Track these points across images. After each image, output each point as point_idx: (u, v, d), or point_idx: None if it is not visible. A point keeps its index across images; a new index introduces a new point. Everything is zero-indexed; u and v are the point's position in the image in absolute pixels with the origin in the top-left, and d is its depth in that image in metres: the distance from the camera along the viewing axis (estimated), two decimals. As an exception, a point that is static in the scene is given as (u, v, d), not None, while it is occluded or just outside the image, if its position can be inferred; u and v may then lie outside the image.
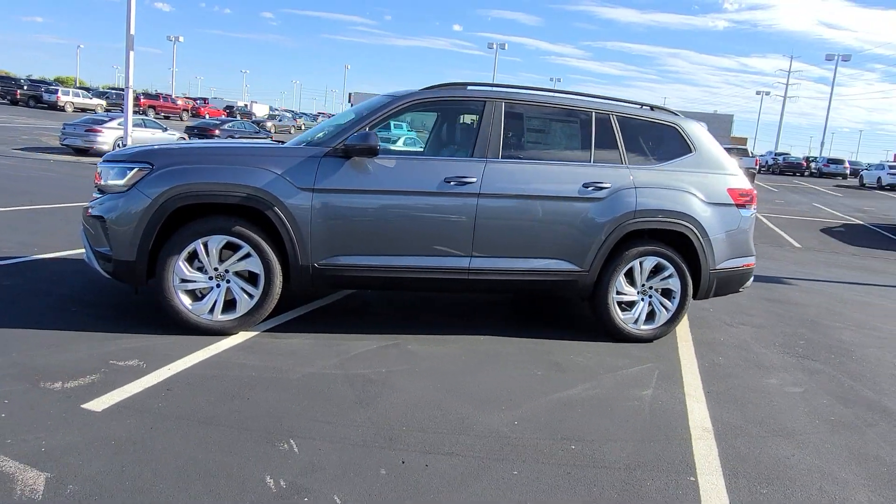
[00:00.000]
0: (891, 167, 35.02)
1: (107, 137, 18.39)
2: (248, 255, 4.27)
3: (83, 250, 4.60)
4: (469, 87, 4.82)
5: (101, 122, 19.08)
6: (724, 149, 5.33)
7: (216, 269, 4.29)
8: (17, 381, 3.40)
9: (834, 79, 50.79)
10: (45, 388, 3.35)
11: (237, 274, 4.32)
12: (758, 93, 70.68)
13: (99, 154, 18.18)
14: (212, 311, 4.30)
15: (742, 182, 5.19)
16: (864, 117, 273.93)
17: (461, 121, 4.84)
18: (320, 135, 4.88)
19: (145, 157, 4.24)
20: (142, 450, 2.84)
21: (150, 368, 3.70)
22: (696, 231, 4.90)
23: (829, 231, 15.36)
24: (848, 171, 42.27)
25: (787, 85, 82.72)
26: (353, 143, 4.28)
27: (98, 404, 3.22)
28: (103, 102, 41.10)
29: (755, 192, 5.31)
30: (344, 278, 4.48)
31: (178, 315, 4.25)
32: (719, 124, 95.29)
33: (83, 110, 36.93)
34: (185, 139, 21.78)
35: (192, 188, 4.14)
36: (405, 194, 4.46)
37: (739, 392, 4.16)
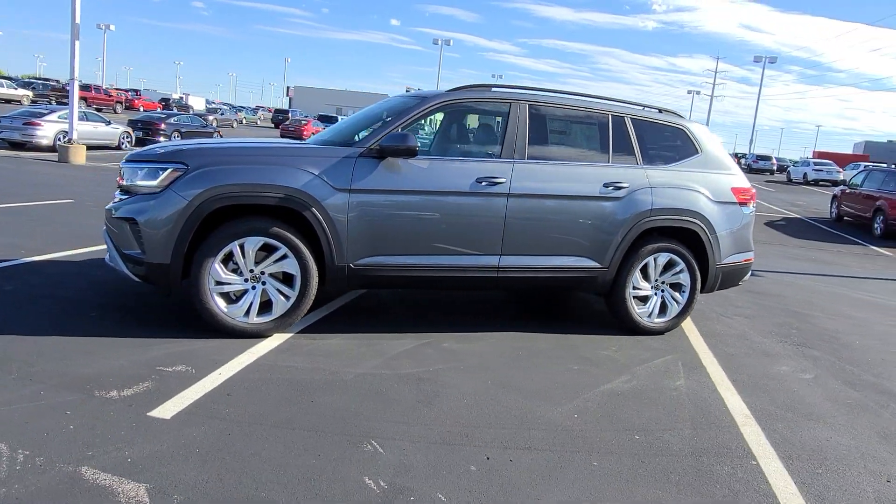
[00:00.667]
0: (815, 164, 37.23)
1: (47, 131, 17.47)
2: (284, 257, 4.23)
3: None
4: (493, 89, 4.90)
5: (41, 115, 18.07)
6: None
7: (251, 271, 4.22)
8: (70, 391, 3.28)
9: (762, 80, 53.48)
10: (103, 397, 3.25)
11: (272, 275, 4.27)
12: (689, 92, 73.44)
13: (38, 148, 17.33)
14: (247, 313, 4.24)
15: (743, 181, 5.49)
16: (782, 116, 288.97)
17: (487, 122, 4.92)
18: (339, 136, 4.89)
19: (179, 157, 4.13)
20: (229, 456, 2.81)
21: (201, 374, 3.63)
22: (705, 228, 5.16)
23: (772, 225, 16.21)
24: (775, 167, 44.61)
25: (713, 84, 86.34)
26: (390, 143, 4.29)
27: (164, 411, 3.15)
28: (29, 93, 38.80)
29: (754, 190, 5.62)
30: (379, 278, 4.49)
31: (214, 318, 4.17)
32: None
33: (7, 101, 34.82)
34: (129, 133, 20.94)
35: (230, 189, 4.07)
36: (439, 194, 4.51)
37: (760, 380, 4.42)
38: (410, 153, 4.28)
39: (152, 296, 4.97)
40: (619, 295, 5.08)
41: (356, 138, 4.59)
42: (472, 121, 4.93)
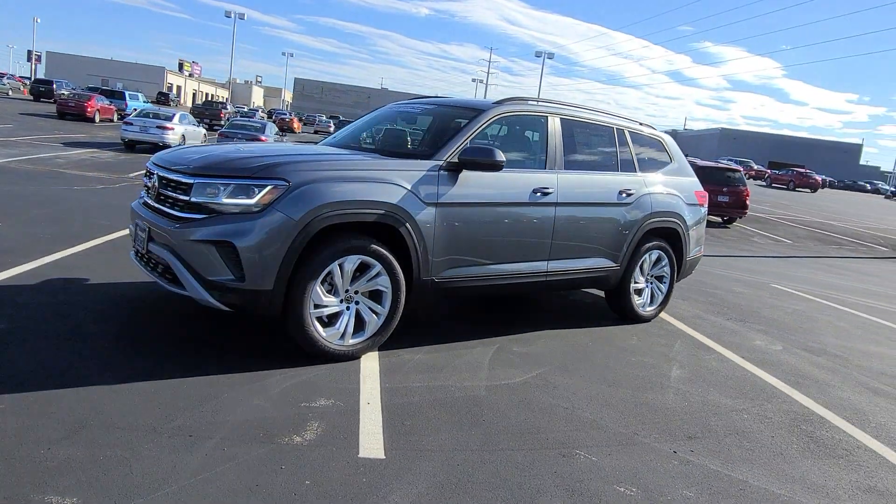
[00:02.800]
0: None
1: (176, 133, 16.20)
2: (378, 274, 4.10)
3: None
4: (530, 102, 5.15)
5: (169, 119, 15.85)
6: None
7: (346, 291, 4.03)
8: (247, 442, 2.95)
9: (542, 73, 59.00)
10: (289, 444, 2.98)
11: (364, 294, 4.12)
12: (473, 80, 78.00)
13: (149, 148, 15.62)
14: (342, 335, 4.04)
15: (699, 185, 6.43)
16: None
17: (534, 134, 5.11)
18: (368, 139, 4.84)
19: (278, 173, 3.75)
20: (493, 479, 2.83)
21: (350, 405, 3.45)
22: (682, 227, 6.00)
23: None
24: None
25: (488, 73, 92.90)
26: (475, 157, 4.33)
27: (370, 451, 3.01)
28: None
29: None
30: (456, 290, 4.54)
31: (314, 344, 3.92)
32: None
33: None
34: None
35: (338, 207, 3.83)
36: (506, 206, 4.67)
37: (755, 353, 5.35)
38: (497, 167, 4.38)
39: (191, 321, 4.43)
40: (624, 289, 5.70)
41: (408, 147, 4.58)
42: (522, 133, 5.10)
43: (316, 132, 51.32)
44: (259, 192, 3.69)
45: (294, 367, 3.87)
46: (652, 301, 6.00)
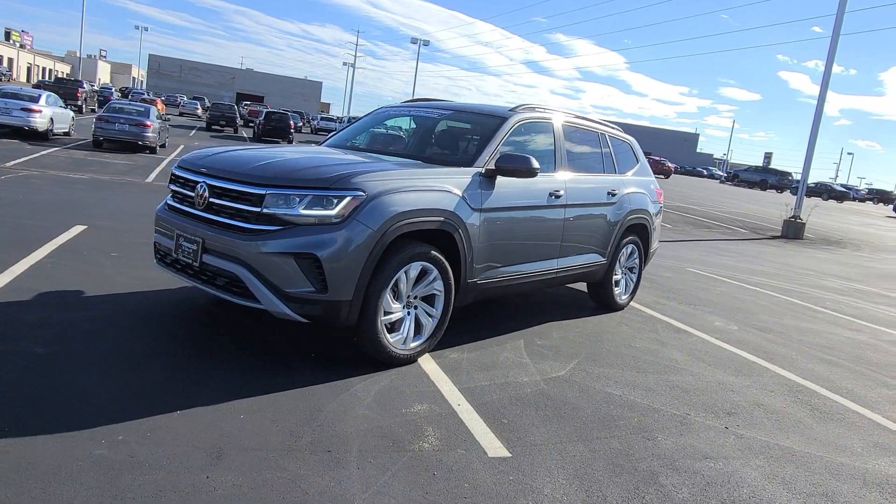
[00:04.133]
0: (349, 121, 42.58)
1: None
2: (434, 279, 4.24)
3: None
4: (538, 108, 5.44)
5: None
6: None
7: (408, 297, 4.14)
8: (383, 452, 3.04)
9: (418, 61, 59.33)
10: (420, 451, 3.11)
11: (420, 298, 4.25)
12: (344, 63, 76.77)
13: None
14: (405, 340, 4.15)
15: (657, 183, 7.10)
16: (403, 89, 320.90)
17: (544, 139, 5.35)
18: (390, 145, 5.07)
19: (355, 184, 3.76)
20: (618, 470, 3.14)
21: (443, 408, 3.62)
22: (650, 222, 6.64)
23: None
24: (335, 128, 48.83)
25: (355, 56, 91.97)
26: (512, 164, 4.56)
27: (492, 451, 3.21)
28: None
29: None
30: (490, 290, 4.76)
31: (383, 350, 4.01)
32: (310, 90, 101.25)
33: None
34: None
35: (408, 216, 3.92)
36: (530, 209, 4.97)
37: (722, 334, 6.09)
38: (532, 174, 4.63)
39: (230, 330, 4.30)
40: (608, 281, 6.23)
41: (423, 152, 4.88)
42: (535, 138, 5.33)
43: (181, 115, 48.07)
44: (339, 203, 3.70)
45: (364, 373, 3.93)
46: (626, 290, 6.59)
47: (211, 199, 3.93)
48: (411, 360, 4.20)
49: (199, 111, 51.18)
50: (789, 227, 19.27)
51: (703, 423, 3.89)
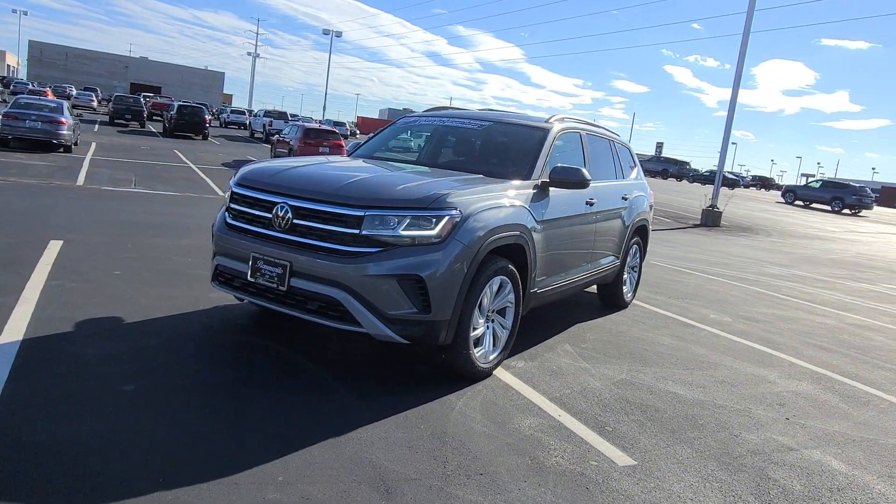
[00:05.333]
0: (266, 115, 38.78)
1: None
2: (508, 292, 4.32)
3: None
4: (567, 119, 5.59)
5: None
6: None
7: (488, 311, 4.20)
8: (532, 471, 3.11)
9: (330, 53, 58.00)
10: (559, 466, 3.20)
11: (495, 311, 4.31)
12: (249, 53, 73.93)
13: None
14: (485, 354, 4.21)
15: (647, 183, 7.47)
16: (303, 79, 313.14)
17: (574, 148, 5.47)
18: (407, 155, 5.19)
19: (450, 203, 3.75)
20: (734, 468, 3.37)
21: (548, 419, 3.72)
22: (649, 223, 7.00)
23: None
24: (247, 121, 44.58)
25: (256, 45, 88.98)
26: (565, 176, 4.68)
27: (620, 460, 3.35)
28: None
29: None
30: (543, 298, 4.89)
31: (471, 366, 4.06)
32: (212, 81, 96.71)
33: None
34: None
35: (496, 233, 3.97)
36: (574, 217, 5.13)
37: (723, 326, 6.53)
38: (584, 185, 4.78)
39: (302, 351, 4.18)
40: (619, 281, 6.52)
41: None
42: (568, 147, 5.45)
43: (75, 107, 44.56)
44: (438, 223, 3.69)
45: (453, 390, 3.96)
46: (631, 289, 6.92)
47: (295, 221, 3.80)
48: (490, 372, 4.26)
49: (95, 103, 47.73)
50: (708, 216, 20.61)
51: (767, 416, 4.22)
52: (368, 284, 3.59)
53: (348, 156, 5.48)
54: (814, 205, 37.57)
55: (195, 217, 9.59)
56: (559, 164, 4.79)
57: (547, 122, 5.29)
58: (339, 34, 57.22)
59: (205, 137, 31.01)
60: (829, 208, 36.22)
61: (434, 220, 3.70)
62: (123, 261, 6.22)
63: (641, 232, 6.88)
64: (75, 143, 18.94)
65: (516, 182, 4.55)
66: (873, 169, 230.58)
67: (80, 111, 36.93)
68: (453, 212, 3.76)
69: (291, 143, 21.37)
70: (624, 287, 6.66)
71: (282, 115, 37.62)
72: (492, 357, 4.26)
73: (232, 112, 47.35)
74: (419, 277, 3.61)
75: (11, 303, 4.57)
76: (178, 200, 11.33)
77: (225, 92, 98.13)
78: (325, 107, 60.12)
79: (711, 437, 3.77)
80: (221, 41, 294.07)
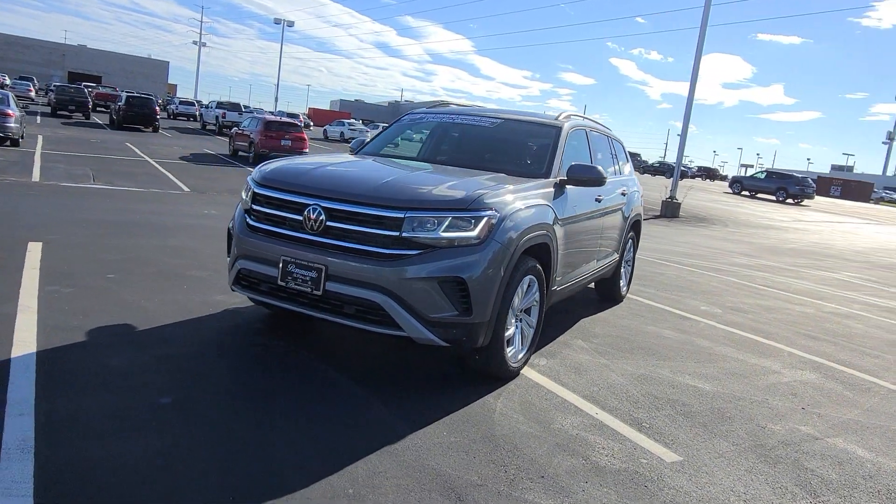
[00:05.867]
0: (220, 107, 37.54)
1: None
2: (535, 291, 4.33)
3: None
4: (574, 117, 5.62)
5: None
6: None
7: (518, 311, 4.20)
8: (590, 472, 3.14)
9: (282, 43, 56.76)
10: (610, 466, 3.24)
11: (522, 311, 4.32)
12: (194, 42, 71.62)
13: None
14: (515, 353, 4.21)
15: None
16: (249, 69, 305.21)
17: (582, 145, 5.49)
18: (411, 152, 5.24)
19: (488, 204, 3.72)
20: (778, 459, 3.47)
21: (587, 418, 3.75)
22: (642, 216, 7.14)
23: (188, 159, 18.68)
24: (197, 113, 43.86)
25: (201, 33, 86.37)
26: (583, 175, 4.72)
27: (664, 455, 3.41)
28: None
29: (637, 185, 7.79)
30: (560, 295, 4.92)
31: (504, 367, 4.07)
32: (156, 71, 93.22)
33: None
34: None
35: (528, 232, 3.97)
36: (587, 214, 5.17)
37: (715, 318, 6.72)
38: (601, 183, 4.83)
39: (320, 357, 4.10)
40: (617, 276, 6.63)
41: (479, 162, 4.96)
42: (577, 145, 5.45)
43: (20, 97, 42.28)
44: (478, 224, 3.66)
45: (489, 391, 3.96)
46: (626, 282, 7.05)
47: (329, 223, 3.70)
48: (518, 372, 4.27)
49: (33, 93, 45.45)
50: (667, 208, 21.13)
51: (784, 407, 4.36)
52: (410, 287, 3.53)
53: (354, 154, 5.37)
54: (759, 195, 38.99)
55: (170, 215, 9.27)
56: (576, 163, 4.82)
57: (557, 119, 5.31)
58: (290, 24, 56.05)
59: (155, 130, 29.94)
60: (773, 198, 37.64)
61: (473, 221, 3.66)
62: (113, 264, 5.96)
63: (636, 226, 7.00)
64: (22, 137, 18.02)
65: (539, 181, 4.55)
66: (808, 159, 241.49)
67: (23, 102, 35.11)
68: (491, 212, 3.73)
69: (252, 136, 20.88)
70: (620, 281, 6.76)
71: (235, 107, 36.55)
72: (520, 356, 4.27)
73: (181, 103, 45.75)
74: (461, 279, 3.58)
75: (11, 311, 4.32)
76: (146, 197, 10.92)
77: (169, 82, 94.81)
78: (276, 98, 58.83)
79: (741, 430, 3.87)
80: (162, 28, 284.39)
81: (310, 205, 3.77)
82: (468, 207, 3.68)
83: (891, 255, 16.37)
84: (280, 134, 20.76)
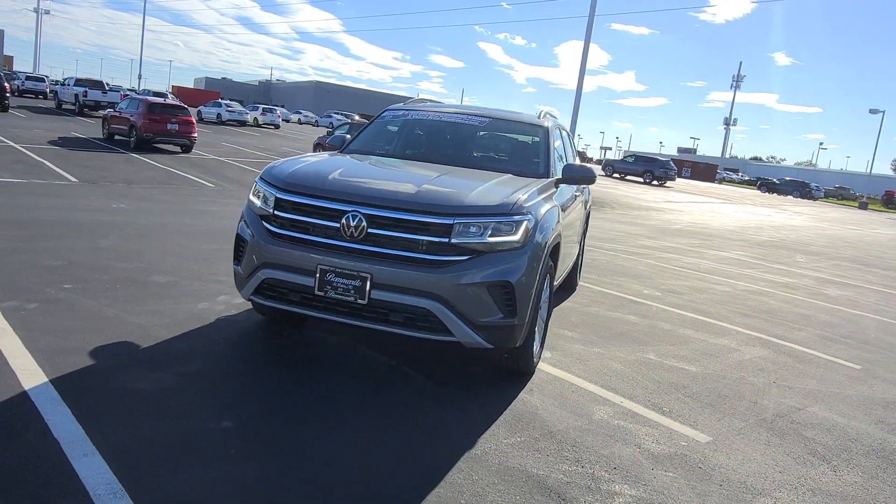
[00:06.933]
0: (78, 83, 32.96)
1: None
2: (547, 287, 4.50)
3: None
4: (552, 115, 5.83)
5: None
6: None
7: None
8: (649, 459, 3.38)
9: (144, 13, 52.10)
10: (658, 452, 3.51)
11: (536, 307, 4.49)
12: (34, 10, 64.22)
13: None
14: (536, 350, 4.38)
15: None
16: (95, 40, 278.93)
17: (558, 143, 5.65)
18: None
19: (527, 209, 3.82)
20: (796, 439, 3.91)
21: (616, 408, 4.01)
22: (591, 205, 7.56)
23: (58, 143, 17.25)
24: (48, 90, 40.77)
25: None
26: (579, 174, 4.95)
27: (695, 435, 3.75)
28: None
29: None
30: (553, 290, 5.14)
31: (531, 363, 4.25)
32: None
33: None
34: None
35: (553, 233, 4.14)
36: (571, 210, 5.40)
37: (659, 301, 7.29)
38: (593, 181, 5.08)
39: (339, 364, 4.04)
40: (578, 264, 6.99)
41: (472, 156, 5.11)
42: (559, 143, 5.62)
43: None
44: (519, 229, 3.75)
45: (519, 388, 4.11)
46: (579, 271, 7.44)
47: (370, 230, 3.64)
48: (537, 366, 4.45)
49: None
50: (560, 191, 22.18)
51: (761, 382, 4.88)
52: (461, 293, 3.58)
53: (343, 152, 5.22)
54: (628, 177, 41.88)
55: (76, 210, 8.43)
56: (570, 163, 5.05)
57: (539, 118, 5.50)
58: None
59: (5, 109, 26.75)
60: (641, 180, 40.59)
61: (515, 225, 3.75)
62: (59, 271, 5.41)
63: (588, 216, 7.39)
64: None
65: (542, 181, 4.70)
66: (661, 143, 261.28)
67: None
68: (529, 216, 3.85)
69: (133, 119, 19.25)
70: (579, 270, 7.14)
71: (97, 85, 33.21)
72: (537, 352, 4.44)
73: (27, 79, 40.91)
74: (508, 283, 3.67)
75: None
76: (32, 190, 9.84)
77: (5, 53, 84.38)
78: (140, 76, 54.17)
79: (740, 406, 4.31)
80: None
81: (348, 211, 3.67)
82: (510, 212, 3.77)
83: (758, 234, 18.35)
84: (165, 117, 19.33)
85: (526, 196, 3.97)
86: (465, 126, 5.44)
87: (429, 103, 6.06)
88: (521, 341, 3.91)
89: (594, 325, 5.87)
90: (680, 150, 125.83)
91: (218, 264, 6.35)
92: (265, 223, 3.93)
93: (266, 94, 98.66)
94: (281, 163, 4.26)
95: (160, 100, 21.13)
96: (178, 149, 19.58)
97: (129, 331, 4.22)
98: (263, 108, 43.79)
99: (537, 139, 5.23)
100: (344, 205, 3.70)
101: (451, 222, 3.60)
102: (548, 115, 5.71)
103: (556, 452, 3.30)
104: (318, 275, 3.67)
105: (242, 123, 39.96)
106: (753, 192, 52.52)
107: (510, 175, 4.61)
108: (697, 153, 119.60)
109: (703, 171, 66.99)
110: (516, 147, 5.36)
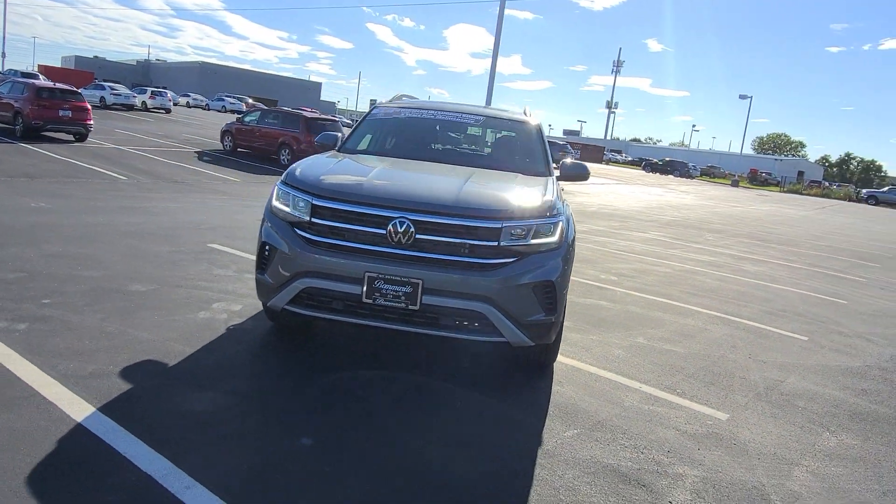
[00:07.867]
0: None
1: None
2: (556, 282, 4.70)
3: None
4: (533, 112, 5.99)
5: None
6: None
7: (560, 304, 4.54)
8: (694, 440, 3.68)
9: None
10: (696, 432, 3.83)
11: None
12: None
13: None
14: (555, 343, 4.58)
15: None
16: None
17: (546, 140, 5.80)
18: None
19: (560, 210, 3.99)
20: (812, 418, 4.35)
21: (646, 395, 4.29)
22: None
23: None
24: None
25: None
26: (576, 171, 5.17)
27: (717, 414, 4.10)
28: None
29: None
30: (557, 282, 5.36)
31: (555, 357, 4.42)
32: None
33: None
34: None
35: (574, 231, 4.30)
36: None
37: (622, 284, 7.74)
38: (587, 178, 5.31)
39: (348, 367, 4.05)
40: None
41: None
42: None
43: None
44: (556, 230, 3.91)
45: (544, 381, 4.30)
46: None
47: (418, 236, 3.65)
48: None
49: None
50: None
51: (738, 358, 5.36)
52: (511, 295, 3.69)
53: (342, 151, 5.11)
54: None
55: (8, 212, 7.68)
56: (567, 161, 5.25)
57: (527, 116, 5.65)
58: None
59: None
60: (541, 163, 41.97)
61: (553, 226, 3.91)
62: (24, 284, 4.97)
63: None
64: None
65: (547, 178, 4.88)
66: (550, 125, 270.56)
67: None
68: (562, 217, 4.02)
69: (17, 105, 17.52)
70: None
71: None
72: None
73: None
74: (551, 283, 3.82)
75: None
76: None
77: None
78: (4, 54, 48.88)
79: (735, 383, 4.74)
80: None
81: (395, 217, 3.66)
82: (548, 214, 3.92)
83: (662, 214, 19.64)
84: (56, 103, 17.72)
85: (555, 197, 4.13)
86: (464, 125, 5.51)
87: (413, 100, 6.03)
88: (555, 337, 4.08)
89: (576, 312, 6.16)
90: (566, 132, 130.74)
91: (187, 268, 6.04)
92: (299, 230, 3.83)
93: (145, 74, 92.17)
94: (304, 166, 4.15)
95: (49, 84, 19.32)
96: (70, 137, 18.06)
97: (145, 348, 3.99)
98: (152, 91, 40.99)
99: (533, 138, 5.39)
100: (390, 211, 3.68)
101: (499, 226, 3.69)
102: (532, 114, 5.88)
103: (614, 441, 3.51)
104: (365, 282, 3.64)
105: (129, 108, 37.24)
106: (639, 173, 55.88)
107: (523, 175, 4.74)
108: (582, 135, 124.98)
109: (592, 152, 70.17)
110: (517, 146, 5.48)
